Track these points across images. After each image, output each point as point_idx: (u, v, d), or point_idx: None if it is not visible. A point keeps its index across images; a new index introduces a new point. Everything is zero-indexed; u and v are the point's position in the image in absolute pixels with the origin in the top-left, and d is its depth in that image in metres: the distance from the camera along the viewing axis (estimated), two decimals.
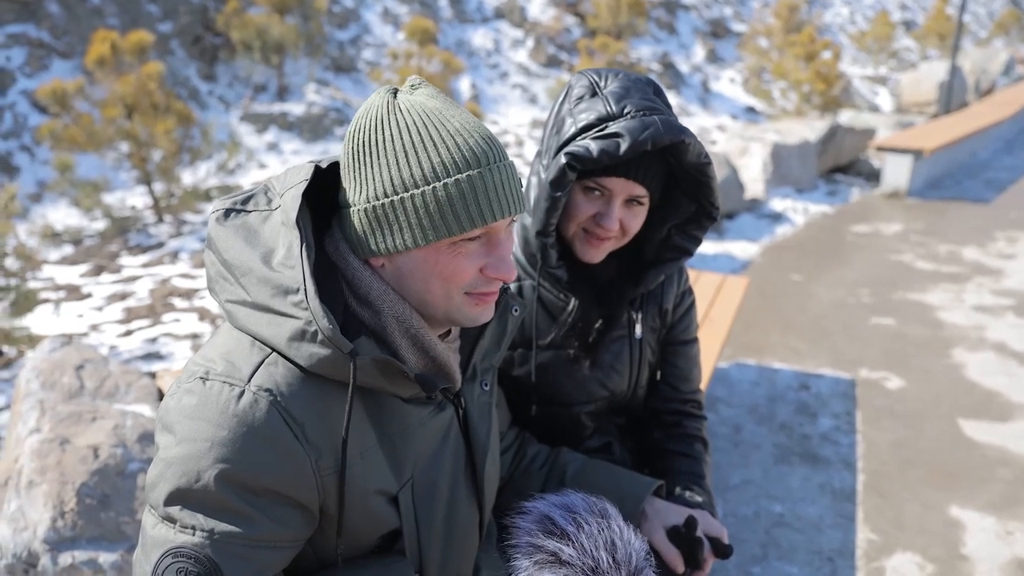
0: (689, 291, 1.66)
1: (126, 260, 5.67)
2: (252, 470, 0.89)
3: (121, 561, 1.88)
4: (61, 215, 6.56)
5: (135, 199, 6.95)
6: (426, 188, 0.92)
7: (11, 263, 4.01)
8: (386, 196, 0.94)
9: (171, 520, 0.90)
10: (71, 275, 5.39)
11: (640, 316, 1.57)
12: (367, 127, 0.95)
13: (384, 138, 0.94)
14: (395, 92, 0.97)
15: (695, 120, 11.54)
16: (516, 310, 1.22)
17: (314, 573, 1.03)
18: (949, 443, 3.34)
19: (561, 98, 1.39)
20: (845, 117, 10.43)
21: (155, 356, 4.09)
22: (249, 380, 0.91)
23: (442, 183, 0.92)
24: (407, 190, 0.93)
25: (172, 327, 4.47)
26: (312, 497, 0.95)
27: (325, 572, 1.03)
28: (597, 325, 1.53)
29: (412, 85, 0.98)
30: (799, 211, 7.20)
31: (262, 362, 0.93)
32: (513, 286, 1.50)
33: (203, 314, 4.63)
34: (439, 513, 1.11)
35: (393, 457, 1.03)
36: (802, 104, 10.37)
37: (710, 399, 3.63)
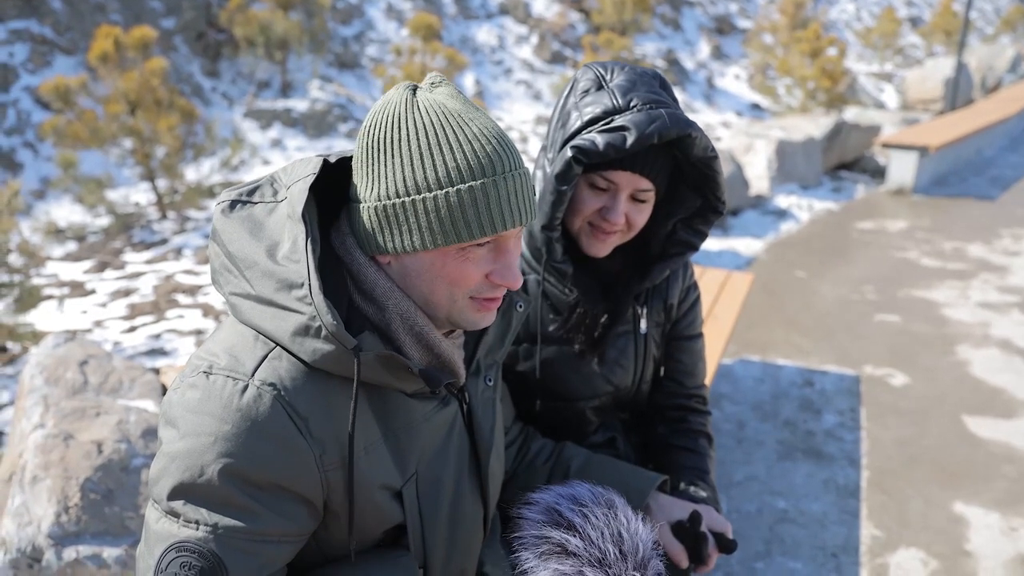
0: (694, 286, 1.66)
1: (130, 256, 5.68)
2: (256, 464, 0.89)
3: (125, 556, 1.88)
4: (65, 212, 6.56)
5: (139, 196, 6.95)
6: (439, 192, 0.91)
7: (15, 260, 4.02)
8: (398, 196, 0.93)
9: (175, 514, 0.90)
10: (75, 271, 5.39)
11: (645, 311, 1.56)
12: (384, 123, 0.94)
13: (401, 137, 0.92)
14: (415, 89, 0.95)
15: (700, 117, 11.50)
16: (520, 306, 1.22)
17: (318, 568, 1.03)
18: (954, 440, 3.33)
19: (567, 91, 1.38)
20: (850, 114, 10.39)
21: (159, 352, 4.10)
22: (253, 374, 0.91)
23: (455, 188, 0.91)
24: (420, 192, 0.92)
25: (176, 323, 4.47)
26: (316, 492, 0.94)
27: (330, 567, 1.03)
28: (602, 320, 1.52)
29: (432, 83, 0.97)
30: (804, 208, 7.19)
31: (266, 356, 0.92)
32: None
33: (207, 310, 4.64)
34: (443, 508, 1.10)
35: (397, 452, 1.03)
36: (807, 101, 10.33)
37: (714, 395, 3.63)
